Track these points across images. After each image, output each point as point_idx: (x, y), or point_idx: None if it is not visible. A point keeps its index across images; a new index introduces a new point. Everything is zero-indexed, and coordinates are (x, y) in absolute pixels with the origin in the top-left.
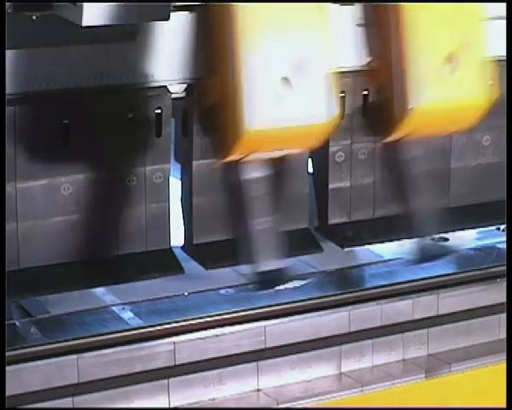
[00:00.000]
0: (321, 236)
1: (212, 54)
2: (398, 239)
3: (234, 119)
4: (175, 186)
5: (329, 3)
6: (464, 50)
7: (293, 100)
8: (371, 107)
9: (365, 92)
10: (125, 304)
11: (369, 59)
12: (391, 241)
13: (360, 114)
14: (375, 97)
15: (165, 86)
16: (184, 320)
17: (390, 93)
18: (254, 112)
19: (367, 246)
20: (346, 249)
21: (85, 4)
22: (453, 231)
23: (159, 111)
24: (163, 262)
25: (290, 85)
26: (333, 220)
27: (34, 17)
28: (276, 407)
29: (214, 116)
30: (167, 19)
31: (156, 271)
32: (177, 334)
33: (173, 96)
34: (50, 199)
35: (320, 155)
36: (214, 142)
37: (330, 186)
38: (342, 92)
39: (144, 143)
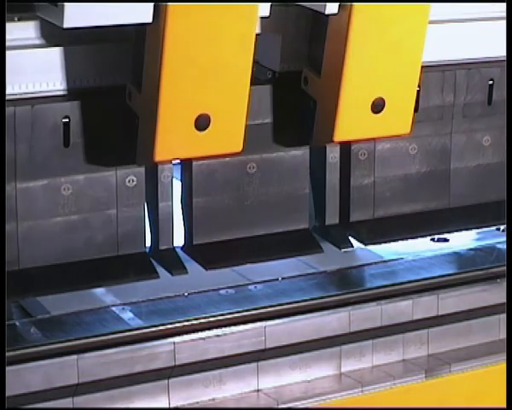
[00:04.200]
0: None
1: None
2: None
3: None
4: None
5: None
6: (393, 93)
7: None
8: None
9: None
10: (124, 304)
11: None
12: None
13: None
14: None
15: None
16: (184, 320)
17: (319, 110)
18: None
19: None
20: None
21: (66, 5)
22: (453, 231)
23: None
24: (167, 262)
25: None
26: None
27: (16, 18)
28: (276, 407)
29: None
30: (150, 20)
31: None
32: (177, 334)
33: None
34: (50, 199)
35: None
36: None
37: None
38: None
39: None
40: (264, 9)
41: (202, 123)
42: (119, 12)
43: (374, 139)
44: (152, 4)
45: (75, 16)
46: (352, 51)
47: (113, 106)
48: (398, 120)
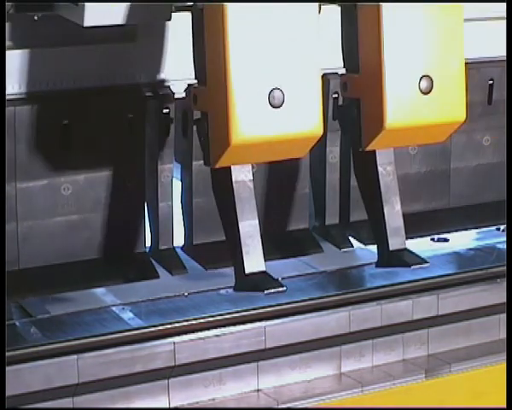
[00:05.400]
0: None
1: (204, 59)
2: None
3: (221, 129)
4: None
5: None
6: (439, 72)
7: (282, 110)
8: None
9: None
10: (125, 304)
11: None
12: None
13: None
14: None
15: (169, 86)
16: (184, 320)
17: (364, 106)
18: (242, 124)
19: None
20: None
21: (87, 4)
22: (453, 231)
23: (166, 111)
24: (168, 262)
25: (281, 95)
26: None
27: (36, 17)
28: (276, 407)
29: (205, 123)
30: (169, 19)
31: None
32: (177, 334)
33: (176, 96)
34: (50, 199)
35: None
36: (204, 148)
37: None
38: (335, 93)
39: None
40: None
41: (277, 99)
42: (139, 11)
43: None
44: (171, 4)
45: (95, 15)
46: (388, 37)
47: (114, 106)
48: (451, 104)
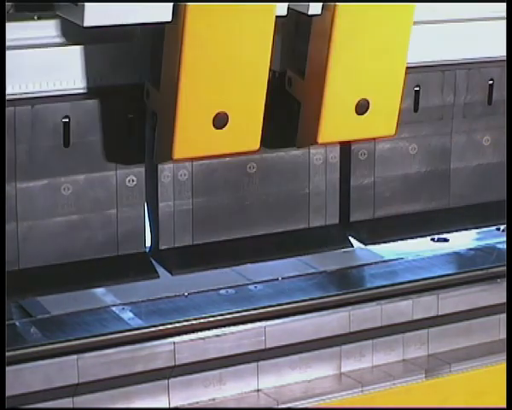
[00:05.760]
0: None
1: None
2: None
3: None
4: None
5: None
6: (377, 97)
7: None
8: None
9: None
10: (125, 304)
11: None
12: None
13: None
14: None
15: None
16: (185, 320)
17: (303, 111)
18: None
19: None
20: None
21: (87, 4)
22: (453, 231)
23: None
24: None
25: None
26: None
27: (36, 17)
28: (276, 407)
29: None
30: (169, 19)
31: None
32: (177, 334)
33: None
34: (50, 199)
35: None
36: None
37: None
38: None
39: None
40: (282, 9)
41: (220, 121)
42: (139, 11)
43: (358, 141)
44: (171, 4)
45: (95, 15)
46: (336, 52)
47: (114, 106)
48: (383, 121)
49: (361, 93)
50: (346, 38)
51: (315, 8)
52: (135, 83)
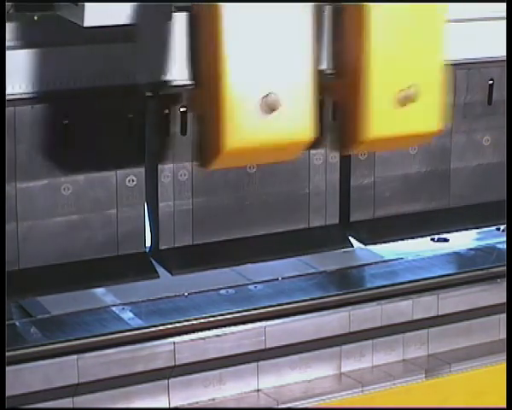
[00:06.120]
0: None
1: (199, 61)
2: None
3: (214, 134)
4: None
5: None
6: (420, 87)
7: (275, 116)
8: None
9: None
10: (125, 304)
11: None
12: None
13: None
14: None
15: (169, 86)
16: (185, 320)
17: (346, 113)
18: (234, 130)
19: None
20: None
21: (87, 4)
22: (453, 231)
23: (166, 111)
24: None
25: (276, 100)
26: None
27: (36, 17)
28: (276, 407)
29: (198, 125)
30: (169, 19)
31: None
32: (177, 334)
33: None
34: (50, 199)
35: None
36: (197, 150)
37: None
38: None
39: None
40: None
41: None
42: (139, 11)
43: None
44: (170, 4)
45: (95, 15)
46: (371, 47)
47: (114, 106)
48: (427, 116)
49: (402, 84)
50: (378, 31)
51: None
52: (135, 83)
